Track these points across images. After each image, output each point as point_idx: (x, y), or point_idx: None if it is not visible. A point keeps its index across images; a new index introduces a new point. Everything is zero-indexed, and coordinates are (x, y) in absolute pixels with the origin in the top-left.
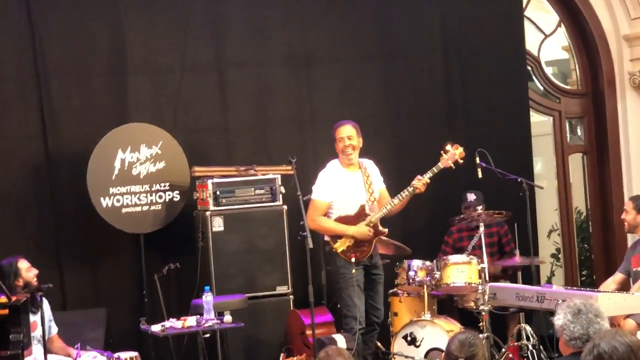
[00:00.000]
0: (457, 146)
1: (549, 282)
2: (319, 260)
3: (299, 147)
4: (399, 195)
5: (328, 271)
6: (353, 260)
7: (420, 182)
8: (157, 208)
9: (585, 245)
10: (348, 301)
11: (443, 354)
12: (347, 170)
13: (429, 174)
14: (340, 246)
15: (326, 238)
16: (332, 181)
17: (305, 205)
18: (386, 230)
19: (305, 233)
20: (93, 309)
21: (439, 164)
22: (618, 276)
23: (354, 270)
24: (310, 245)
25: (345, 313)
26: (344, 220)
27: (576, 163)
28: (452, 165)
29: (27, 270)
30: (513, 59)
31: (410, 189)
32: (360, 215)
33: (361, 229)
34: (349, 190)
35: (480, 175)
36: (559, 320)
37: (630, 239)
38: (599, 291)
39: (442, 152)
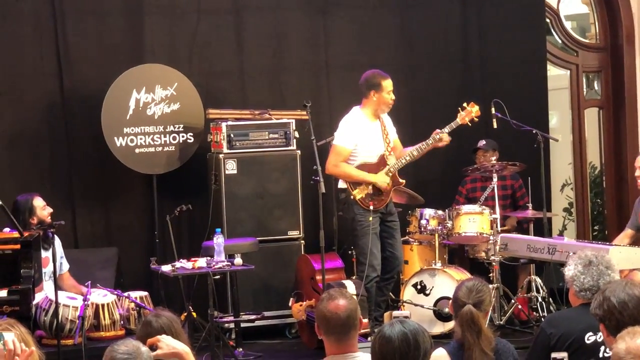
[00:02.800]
0: (474, 104)
1: (560, 235)
2: (331, 206)
3: (314, 92)
4: (418, 146)
5: (341, 218)
6: (371, 208)
7: (441, 137)
8: (171, 149)
9: (598, 200)
10: (365, 249)
11: (450, 300)
12: (369, 120)
13: (447, 129)
14: (358, 193)
15: (342, 185)
16: (356, 128)
17: (319, 150)
18: (404, 180)
19: (318, 178)
20: (104, 248)
21: (457, 119)
22: (628, 232)
23: (370, 218)
24: (323, 190)
25: (362, 260)
26: (365, 168)
27: (592, 118)
28: (468, 122)
29: (42, 209)
30: (532, 11)
31: (430, 141)
32: (380, 164)
33: (382, 178)
34: (371, 138)
35: (495, 126)
36: (569, 271)
37: None
38: (611, 244)
39: (459, 108)
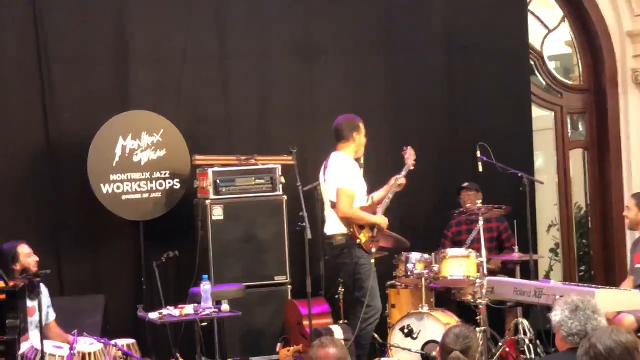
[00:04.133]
0: (408, 148)
1: (547, 277)
2: (317, 251)
3: (299, 138)
4: (387, 191)
5: (328, 262)
6: (373, 250)
7: (402, 183)
8: (157, 195)
9: (584, 241)
10: (371, 291)
11: (438, 346)
12: (355, 162)
13: (403, 173)
14: (364, 237)
15: (339, 230)
16: (354, 171)
17: (305, 195)
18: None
19: (304, 224)
20: (91, 295)
21: (408, 164)
22: (629, 278)
23: (372, 260)
24: (309, 236)
25: (368, 302)
26: (364, 210)
27: (577, 158)
28: (412, 166)
29: (26, 256)
30: (516, 53)
31: (395, 188)
32: (371, 206)
33: (383, 219)
34: (362, 181)
35: (480, 169)
36: (556, 316)
37: (629, 235)
38: (597, 287)
39: (402, 153)
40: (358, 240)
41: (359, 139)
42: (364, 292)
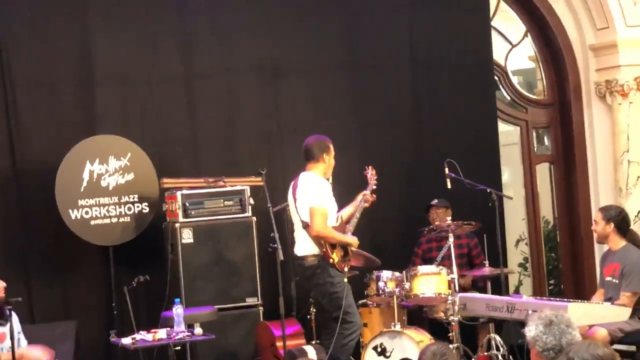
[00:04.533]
0: (369, 168)
1: (517, 291)
2: (288, 272)
3: (268, 158)
4: (354, 209)
5: (299, 283)
6: (346, 269)
7: (369, 199)
8: (126, 220)
9: (553, 255)
10: (350, 308)
11: None
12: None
13: (369, 190)
14: (336, 257)
15: (311, 251)
16: (327, 191)
17: (275, 217)
18: None
19: (276, 245)
20: (62, 321)
21: (372, 183)
22: (600, 291)
23: (345, 279)
24: (282, 257)
25: (349, 319)
26: (336, 230)
27: (543, 172)
28: (374, 186)
29: None
30: (480, 69)
31: (363, 204)
32: (341, 225)
33: (354, 239)
34: (334, 201)
35: (449, 186)
36: (530, 331)
37: (598, 248)
38: (569, 301)
39: (365, 174)
40: (331, 260)
41: (329, 160)
42: (342, 310)
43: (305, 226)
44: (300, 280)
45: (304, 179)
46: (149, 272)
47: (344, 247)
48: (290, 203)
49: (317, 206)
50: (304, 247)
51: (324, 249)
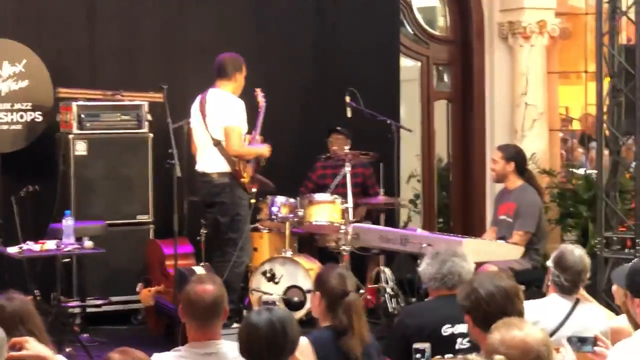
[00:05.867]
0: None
1: (405, 227)
2: (183, 190)
3: (168, 74)
4: None
5: (193, 202)
6: (254, 190)
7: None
8: (18, 127)
9: (444, 193)
10: (246, 233)
11: (317, 294)
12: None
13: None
14: (247, 177)
15: (221, 169)
16: (242, 110)
17: (174, 133)
18: None
19: (173, 161)
20: None
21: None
22: (491, 229)
23: (253, 201)
24: (179, 174)
25: (243, 245)
26: None
27: (441, 111)
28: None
29: None
30: (386, 2)
31: None
32: (250, 143)
33: (266, 147)
34: (245, 119)
35: (349, 115)
36: (421, 268)
37: (490, 189)
38: (464, 237)
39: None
40: (242, 179)
41: (240, 79)
42: (241, 234)
43: (217, 143)
44: (203, 198)
45: (216, 96)
46: (39, 183)
47: (257, 162)
48: (196, 119)
49: (234, 125)
50: (213, 164)
51: (237, 167)
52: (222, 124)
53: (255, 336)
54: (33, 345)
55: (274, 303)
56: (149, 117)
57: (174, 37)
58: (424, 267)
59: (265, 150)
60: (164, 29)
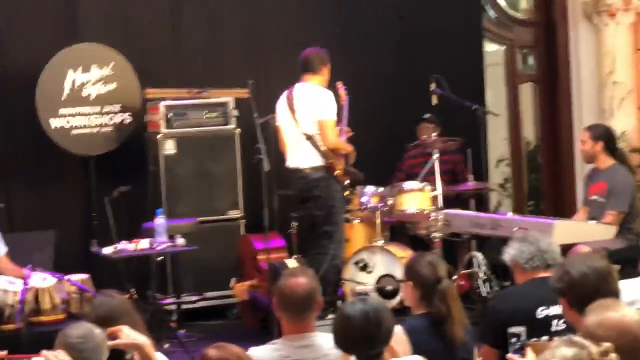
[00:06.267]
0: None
1: (496, 211)
2: (272, 185)
3: (252, 70)
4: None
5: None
6: (347, 183)
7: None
8: (108, 130)
9: (533, 176)
10: (342, 226)
11: (409, 283)
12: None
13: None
14: (340, 169)
15: (316, 163)
16: (335, 102)
17: (261, 128)
18: None
19: (261, 156)
20: (41, 230)
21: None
22: (582, 210)
23: (346, 193)
24: (268, 168)
25: (339, 238)
26: None
27: (526, 94)
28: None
29: None
30: None
31: None
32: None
33: (351, 146)
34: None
35: (435, 102)
36: (508, 253)
37: (580, 170)
38: (555, 218)
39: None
40: (337, 172)
41: (326, 73)
42: (336, 227)
43: (309, 138)
44: (296, 194)
45: (305, 90)
46: (130, 183)
47: (347, 158)
48: (284, 116)
49: (329, 119)
50: (306, 159)
51: (331, 161)
52: (315, 118)
53: (349, 327)
54: (127, 333)
55: (366, 294)
56: (236, 113)
57: (257, 32)
58: (515, 252)
59: (351, 149)
60: (246, 24)
